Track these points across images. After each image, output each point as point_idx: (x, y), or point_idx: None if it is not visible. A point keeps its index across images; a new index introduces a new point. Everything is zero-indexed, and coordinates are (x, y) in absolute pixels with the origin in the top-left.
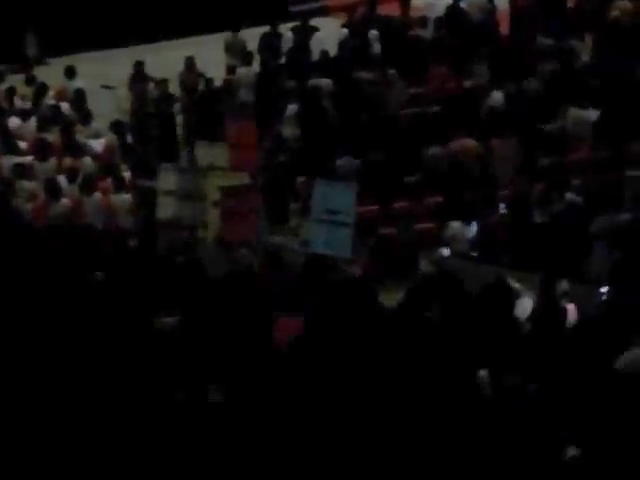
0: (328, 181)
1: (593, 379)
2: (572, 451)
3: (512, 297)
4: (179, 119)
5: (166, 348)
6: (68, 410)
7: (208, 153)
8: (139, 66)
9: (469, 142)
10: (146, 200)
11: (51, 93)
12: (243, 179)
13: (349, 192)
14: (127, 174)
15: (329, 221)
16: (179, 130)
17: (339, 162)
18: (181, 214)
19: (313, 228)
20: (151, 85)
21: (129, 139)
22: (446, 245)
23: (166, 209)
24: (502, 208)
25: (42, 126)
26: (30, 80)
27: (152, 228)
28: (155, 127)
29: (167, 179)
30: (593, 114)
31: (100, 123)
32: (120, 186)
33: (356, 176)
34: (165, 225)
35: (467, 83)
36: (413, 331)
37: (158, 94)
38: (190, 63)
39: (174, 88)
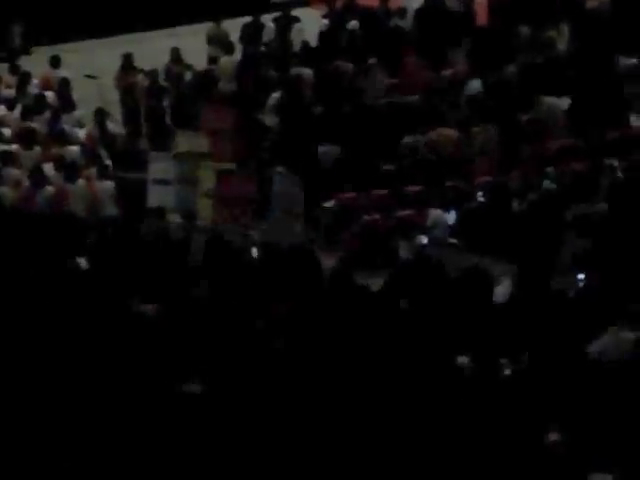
0: (281, 175)
1: (567, 363)
2: (554, 436)
3: (490, 283)
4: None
5: (147, 335)
6: (48, 395)
7: (187, 141)
8: (128, 58)
9: (448, 131)
10: (128, 189)
11: (36, 82)
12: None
13: (297, 185)
14: (110, 162)
15: (283, 211)
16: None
17: (320, 150)
18: (175, 201)
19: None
20: (140, 76)
21: (110, 128)
22: (426, 232)
23: (157, 197)
24: (480, 196)
25: (26, 114)
26: (14, 69)
27: (135, 216)
28: (146, 117)
29: (157, 167)
30: (566, 102)
31: (84, 112)
32: (104, 174)
33: (336, 164)
34: (154, 212)
35: (446, 73)
36: (393, 317)
37: (148, 85)
38: (176, 54)
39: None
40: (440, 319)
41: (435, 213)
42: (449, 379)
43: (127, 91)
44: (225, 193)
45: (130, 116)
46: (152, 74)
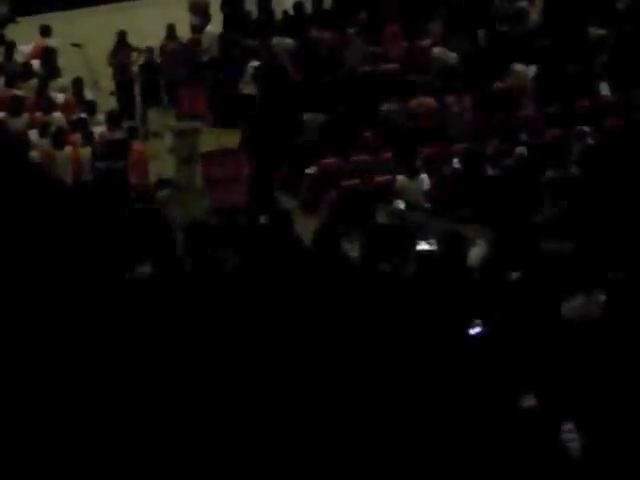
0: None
1: (541, 326)
2: (529, 401)
3: (465, 246)
4: None
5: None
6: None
7: (159, 118)
8: (122, 35)
9: (427, 100)
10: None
11: (25, 50)
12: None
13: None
14: (95, 128)
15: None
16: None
17: (305, 116)
18: (177, 176)
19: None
20: (134, 54)
21: (88, 95)
22: (400, 197)
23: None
24: (455, 162)
25: (11, 82)
26: (0, 38)
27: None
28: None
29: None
30: (532, 69)
31: (68, 80)
32: (88, 140)
33: (318, 131)
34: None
35: (422, 42)
36: (372, 281)
37: (143, 63)
38: (171, 31)
39: (140, 42)
40: (416, 281)
41: (401, 179)
42: (427, 341)
43: (120, 69)
44: (213, 175)
45: (123, 94)
46: (148, 52)
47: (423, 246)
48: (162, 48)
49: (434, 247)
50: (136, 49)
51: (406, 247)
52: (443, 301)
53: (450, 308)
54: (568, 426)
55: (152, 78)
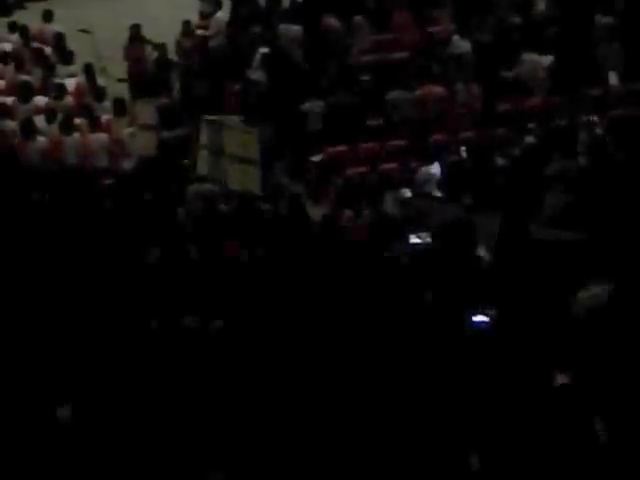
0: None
1: (551, 315)
2: (562, 379)
3: (474, 234)
4: None
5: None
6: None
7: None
8: (136, 29)
9: (436, 88)
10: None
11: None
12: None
13: (253, 133)
14: (103, 115)
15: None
16: None
17: (307, 105)
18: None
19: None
20: (148, 48)
21: (100, 81)
22: (415, 189)
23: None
24: (463, 151)
25: (20, 66)
26: (12, 26)
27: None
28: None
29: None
30: (547, 59)
31: (77, 66)
32: (95, 126)
33: (323, 118)
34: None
35: (431, 30)
36: (379, 268)
37: (157, 58)
38: (187, 27)
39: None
40: (425, 268)
41: (425, 169)
42: (444, 326)
43: (135, 63)
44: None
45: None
46: (161, 47)
47: (415, 239)
48: (178, 44)
49: (426, 240)
50: (150, 42)
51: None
52: (439, 289)
53: (448, 296)
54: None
55: (165, 74)
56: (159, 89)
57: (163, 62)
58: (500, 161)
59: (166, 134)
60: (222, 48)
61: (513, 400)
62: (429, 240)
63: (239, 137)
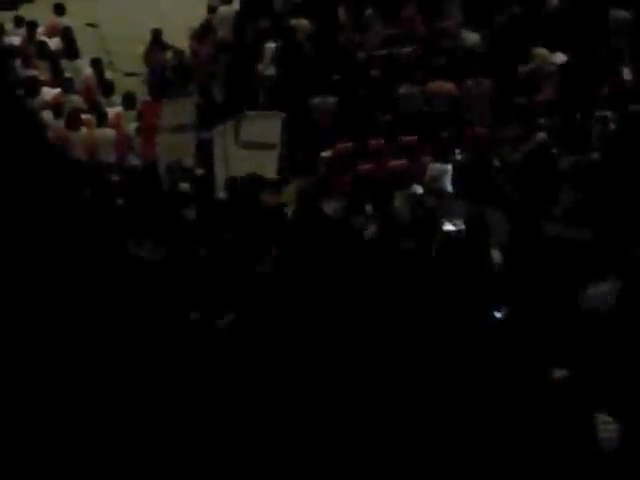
0: (255, 113)
1: (561, 310)
2: (560, 372)
3: (488, 231)
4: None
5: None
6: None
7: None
8: (157, 34)
9: (446, 84)
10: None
11: (40, 30)
12: None
13: (275, 119)
14: (110, 110)
15: (256, 145)
16: None
17: (316, 100)
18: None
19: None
20: (169, 53)
21: (108, 75)
22: (427, 183)
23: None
24: (474, 147)
25: (26, 61)
26: (19, 20)
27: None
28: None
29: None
30: (560, 56)
31: (84, 60)
32: (102, 121)
33: (332, 113)
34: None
35: (441, 24)
36: (390, 263)
37: (175, 64)
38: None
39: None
40: (440, 266)
41: (436, 166)
42: (447, 326)
43: (154, 68)
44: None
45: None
46: (179, 53)
47: (449, 227)
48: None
49: (460, 227)
50: (171, 48)
51: (428, 229)
52: (466, 282)
53: (473, 289)
54: (603, 417)
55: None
56: (180, 92)
57: (182, 68)
58: (512, 157)
59: (205, 134)
60: (226, 41)
61: (520, 397)
62: (463, 227)
63: (260, 124)
